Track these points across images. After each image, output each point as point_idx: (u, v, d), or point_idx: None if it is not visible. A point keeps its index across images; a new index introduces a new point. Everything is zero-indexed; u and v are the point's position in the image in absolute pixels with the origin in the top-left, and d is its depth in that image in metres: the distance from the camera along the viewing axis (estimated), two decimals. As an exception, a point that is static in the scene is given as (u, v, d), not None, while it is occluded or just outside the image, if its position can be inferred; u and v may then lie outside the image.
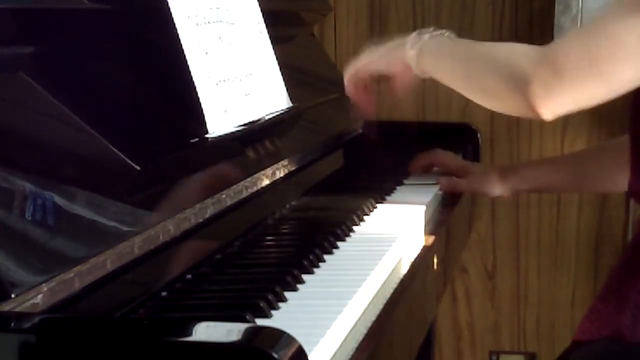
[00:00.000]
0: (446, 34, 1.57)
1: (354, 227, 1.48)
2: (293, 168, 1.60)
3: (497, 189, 1.79)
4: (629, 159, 1.51)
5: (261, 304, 1.06)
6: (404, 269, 1.37)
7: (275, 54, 1.59)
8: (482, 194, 1.86)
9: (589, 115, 2.52)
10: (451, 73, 1.54)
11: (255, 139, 1.49)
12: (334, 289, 1.18)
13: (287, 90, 1.59)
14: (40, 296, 0.91)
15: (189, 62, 1.31)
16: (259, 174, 1.44)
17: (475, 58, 1.49)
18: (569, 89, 1.31)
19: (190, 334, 0.84)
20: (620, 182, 1.62)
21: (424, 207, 1.60)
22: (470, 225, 2.05)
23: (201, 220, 1.24)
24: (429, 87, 2.58)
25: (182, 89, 1.31)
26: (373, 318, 1.17)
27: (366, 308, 1.17)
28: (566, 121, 2.54)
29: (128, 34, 1.33)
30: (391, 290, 1.26)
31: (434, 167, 1.91)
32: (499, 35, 2.54)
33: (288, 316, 1.08)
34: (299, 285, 1.18)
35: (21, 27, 1.10)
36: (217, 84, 1.36)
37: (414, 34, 1.57)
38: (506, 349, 2.65)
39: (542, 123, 2.56)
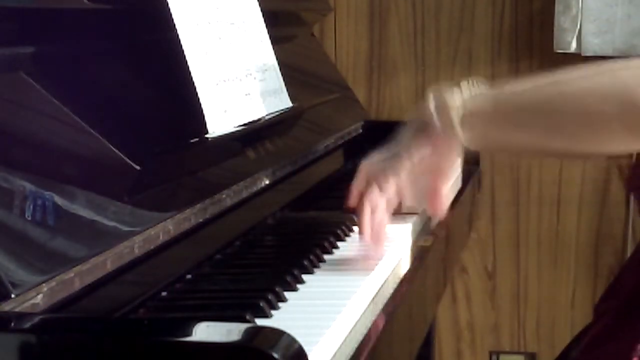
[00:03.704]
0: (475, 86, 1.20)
1: (354, 227, 1.48)
2: (293, 168, 1.60)
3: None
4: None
5: (261, 304, 1.06)
6: (404, 269, 1.36)
7: (275, 54, 1.59)
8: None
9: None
10: (531, 127, 1.17)
11: (255, 139, 1.49)
12: (334, 289, 1.17)
13: (287, 90, 1.59)
14: (40, 296, 0.91)
15: (189, 62, 1.31)
16: (259, 174, 1.44)
17: (558, 97, 1.16)
18: None
19: (190, 334, 0.84)
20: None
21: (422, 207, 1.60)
22: (470, 225, 2.05)
23: (201, 220, 1.24)
24: (429, 87, 2.59)
25: (182, 89, 1.31)
26: (373, 318, 1.17)
27: (366, 308, 1.17)
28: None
29: (128, 34, 1.33)
30: (391, 290, 1.26)
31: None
32: (499, 35, 2.54)
33: (288, 316, 1.07)
34: (299, 285, 1.18)
35: (21, 27, 1.10)
36: (217, 84, 1.36)
37: (431, 105, 1.21)
38: (506, 349, 2.65)
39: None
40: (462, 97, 1.20)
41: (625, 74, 1.14)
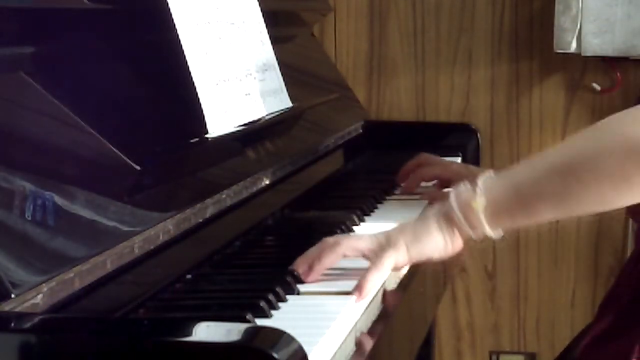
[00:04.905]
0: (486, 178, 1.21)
1: (354, 227, 1.48)
2: (293, 168, 1.60)
3: None
4: None
5: (261, 304, 1.06)
6: (404, 270, 1.36)
7: (275, 54, 1.59)
8: None
9: (589, 114, 2.52)
10: (554, 196, 1.18)
11: (255, 139, 1.49)
12: (334, 289, 1.17)
13: (287, 90, 1.59)
14: (40, 296, 0.91)
15: (189, 62, 1.31)
16: (259, 174, 1.44)
17: (568, 159, 1.18)
18: None
19: (190, 334, 0.84)
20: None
21: (420, 209, 1.60)
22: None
23: (201, 220, 1.24)
24: (429, 87, 2.59)
25: (182, 89, 1.31)
26: (373, 318, 1.17)
27: (366, 308, 1.17)
28: (566, 120, 2.54)
29: (128, 34, 1.33)
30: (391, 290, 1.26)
31: (424, 181, 1.74)
32: (499, 35, 2.54)
33: (288, 316, 1.07)
34: (299, 285, 1.17)
35: (21, 27, 1.10)
36: (217, 84, 1.36)
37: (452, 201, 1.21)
38: (506, 349, 2.65)
39: (542, 122, 2.57)
40: (482, 194, 1.20)
41: (633, 130, 1.14)
